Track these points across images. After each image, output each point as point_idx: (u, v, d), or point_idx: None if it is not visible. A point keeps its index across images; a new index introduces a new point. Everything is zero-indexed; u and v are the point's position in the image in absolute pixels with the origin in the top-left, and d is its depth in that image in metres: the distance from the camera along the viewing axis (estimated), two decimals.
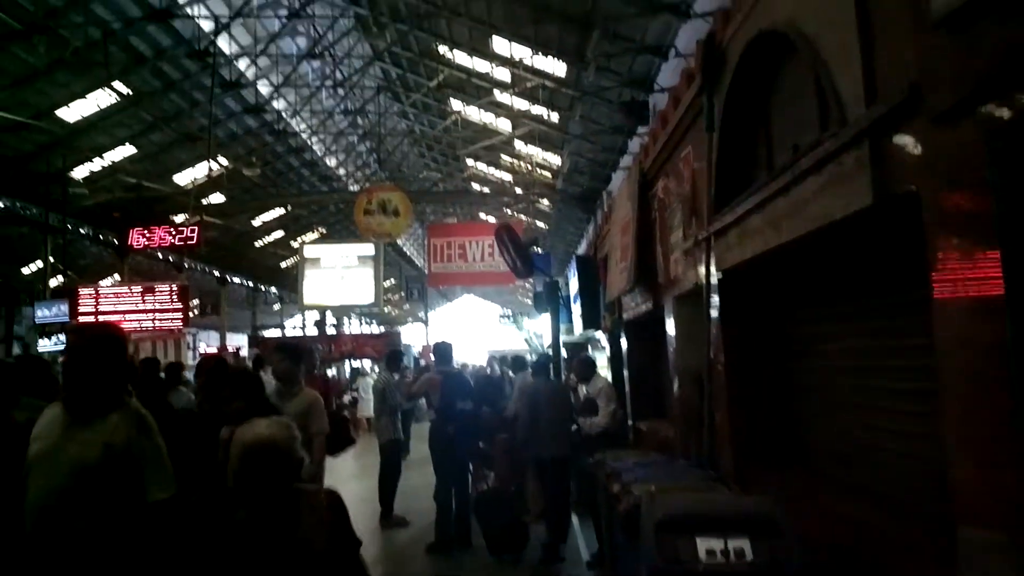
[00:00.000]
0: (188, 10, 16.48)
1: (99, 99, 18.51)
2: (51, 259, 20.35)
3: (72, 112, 18.61)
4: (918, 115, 3.07)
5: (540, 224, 31.64)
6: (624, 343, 10.81)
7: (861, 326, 4.53)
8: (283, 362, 5.50)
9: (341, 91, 22.20)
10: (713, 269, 6.03)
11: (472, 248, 23.28)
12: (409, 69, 21.25)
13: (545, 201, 26.81)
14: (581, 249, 24.98)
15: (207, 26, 17.28)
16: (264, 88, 20.98)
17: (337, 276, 23.46)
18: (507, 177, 27.72)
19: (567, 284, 14.01)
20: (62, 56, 15.83)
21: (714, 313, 6.02)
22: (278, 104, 22.15)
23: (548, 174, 24.83)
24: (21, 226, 21.82)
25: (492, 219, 31.68)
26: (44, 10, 14.59)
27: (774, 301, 5.80)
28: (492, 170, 28.00)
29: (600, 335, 14.13)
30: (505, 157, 25.67)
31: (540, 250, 21.41)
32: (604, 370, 11.97)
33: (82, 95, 18.06)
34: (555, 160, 23.50)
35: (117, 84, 18.02)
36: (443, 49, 18.74)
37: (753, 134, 5.60)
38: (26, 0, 14.06)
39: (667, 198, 7.85)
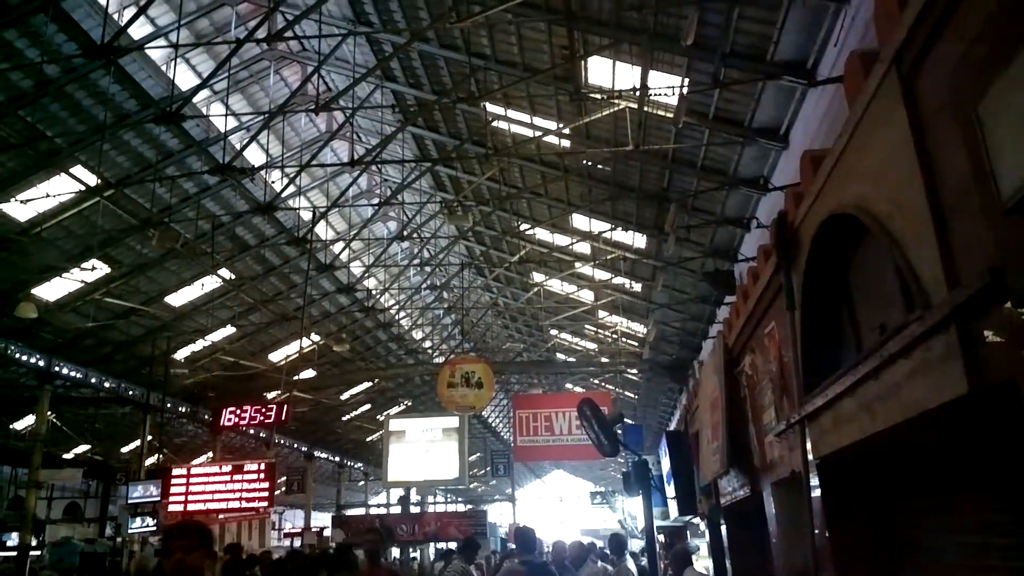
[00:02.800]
0: (291, 202, 18.14)
1: (205, 284, 20.17)
2: (149, 437, 21.42)
3: (179, 297, 20.25)
4: (1004, 299, 2.92)
5: (629, 395, 31.05)
6: (724, 530, 10.06)
7: (977, 521, 4.07)
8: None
9: (428, 268, 23.42)
10: (810, 456, 5.67)
11: (559, 420, 23.06)
12: (492, 246, 22.32)
13: (633, 370, 26.47)
14: (673, 423, 24.19)
15: (307, 216, 18.93)
16: (356, 268, 22.38)
17: (421, 450, 23.47)
18: (592, 346, 27.74)
19: (659, 462, 13.42)
20: (173, 247, 17.56)
21: (815, 504, 5.58)
22: (369, 283, 23.50)
23: (634, 343, 24.70)
24: (124, 406, 23.15)
25: (578, 389, 31.42)
26: (160, 207, 16.39)
27: (879, 492, 5.34)
28: (576, 340, 28.15)
29: (698, 520, 13.25)
30: (589, 327, 25.87)
31: (630, 421, 20.89)
32: (705, 560, 11.09)
33: (190, 282, 19.72)
34: (641, 329, 23.45)
35: (222, 270, 19.69)
36: (524, 226, 19.68)
37: (836, 312, 5.46)
38: (145, 198, 15.87)
39: (755, 375, 7.61)
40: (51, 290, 17.37)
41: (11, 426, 23.06)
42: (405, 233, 20.36)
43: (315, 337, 24.46)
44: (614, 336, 24.28)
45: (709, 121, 11.40)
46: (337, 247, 21.16)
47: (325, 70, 15.20)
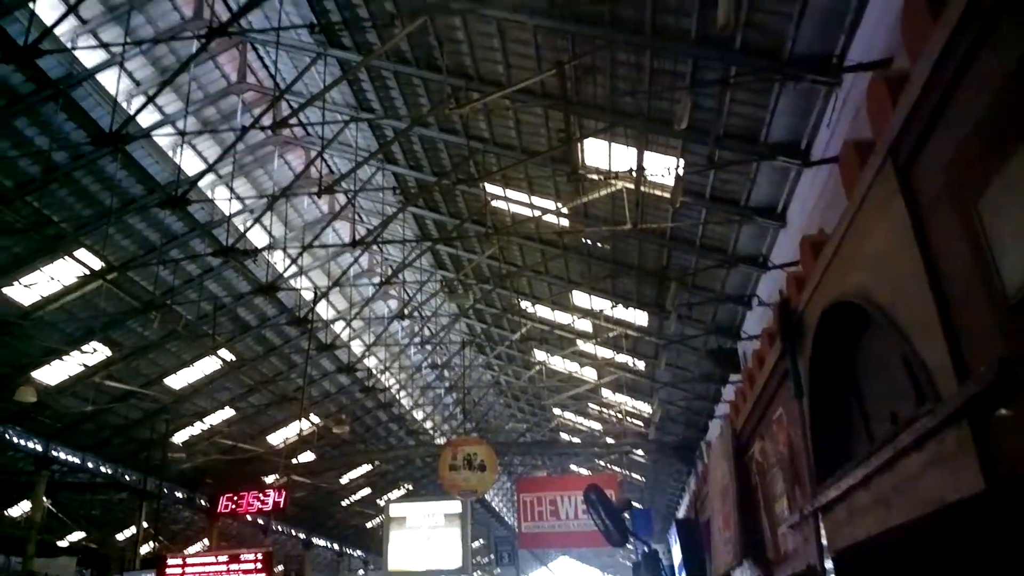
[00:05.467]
0: (292, 282, 18.17)
1: (205, 366, 19.99)
2: (145, 524, 20.81)
3: (179, 379, 20.04)
4: (1015, 392, 2.80)
5: (636, 476, 30.32)
6: None
7: None
8: None
9: (428, 347, 23.27)
10: (826, 549, 5.43)
11: (564, 504, 22.39)
12: (493, 324, 22.23)
13: (640, 451, 25.93)
14: (683, 508, 23.53)
15: (308, 295, 18.94)
16: (357, 347, 22.24)
17: (423, 537, 22.75)
18: (596, 426, 27.27)
19: (669, 552, 12.93)
20: (175, 328, 17.49)
21: None
22: (369, 362, 23.30)
23: (640, 423, 24.28)
24: (121, 491, 22.60)
25: (584, 471, 30.72)
26: (162, 289, 16.39)
27: None
28: (581, 419, 27.70)
29: None
30: (593, 406, 25.49)
31: (638, 506, 20.29)
32: None
33: (190, 363, 19.55)
34: (646, 408, 23.09)
35: (223, 351, 19.56)
36: (525, 304, 19.64)
37: (844, 400, 5.33)
38: (148, 281, 15.90)
39: (765, 462, 7.40)
40: (51, 373, 17.20)
41: (5, 512, 22.44)
42: (406, 311, 20.31)
43: (314, 419, 24.09)
44: (619, 415, 23.88)
45: (706, 200, 11.49)
46: (338, 326, 21.08)
47: (328, 154, 15.48)
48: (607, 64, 10.09)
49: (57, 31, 10.00)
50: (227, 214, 15.28)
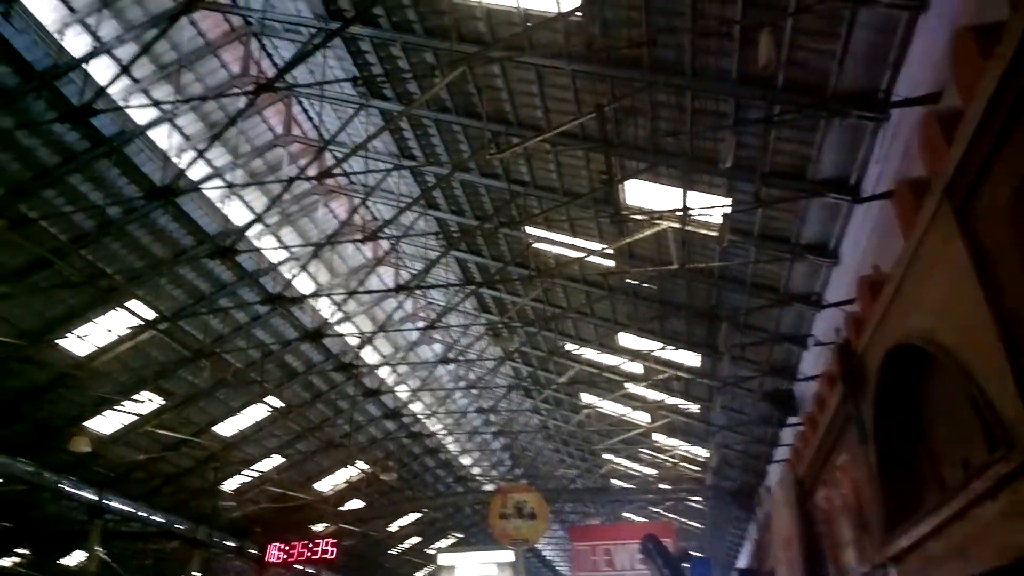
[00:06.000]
0: (338, 328, 18.39)
1: (253, 413, 20.26)
2: (197, 574, 20.96)
3: (228, 427, 20.33)
4: None
5: (693, 524, 29.43)
6: None
7: None
8: None
9: (474, 391, 23.18)
10: None
11: (620, 554, 21.99)
12: (539, 367, 22.07)
13: (696, 497, 25.20)
14: (743, 556, 22.72)
15: (353, 341, 19.13)
16: (403, 392, 22.29)
17: None
18: (650, 472, 26.64)
19: None
20: (224, 376, 17.83)
21: None
22: (415, 407, 23.31)
23: (695, 468, 23.65)
24: (173, 540, 22.85)
25: (637, 518, 29.97)
26: (212, 337, 16.75)
27: None
28: (633, 465, 27.11)
29: None
30: (646, 451, 24.94)
31: (697, 554, 19.65)
32: None
33: (239, 411, 19.83)
34: (701, 453, 22.49)
35: (271, 398, 19.82)
36: (571, 346, 19.46)
37: (911, 444, 5.08)
38: (198, 329, 16.29)
39: (830, 509, 7.10)
40: (104, 423, 17.63)
41: (61, 561, 22.87)
42: (450, 355, 20.32)
43: (362, 465, 24.12)
44: (673, 461, 23.32)
45: (755, 239, 11.30)
46: (383, 371, 21.18)
47: (371, 201, 15.76)
48: (648, 105, 10.10)
49: (110, 90, 10.44)
50: (274, 263, 15.62)
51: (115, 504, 19.92)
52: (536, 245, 15.13)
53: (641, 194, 12.14)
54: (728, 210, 10.76)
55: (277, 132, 14.40)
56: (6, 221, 11.54)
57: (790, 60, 7.89)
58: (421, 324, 19.81)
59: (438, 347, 21.85)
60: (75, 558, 22.34)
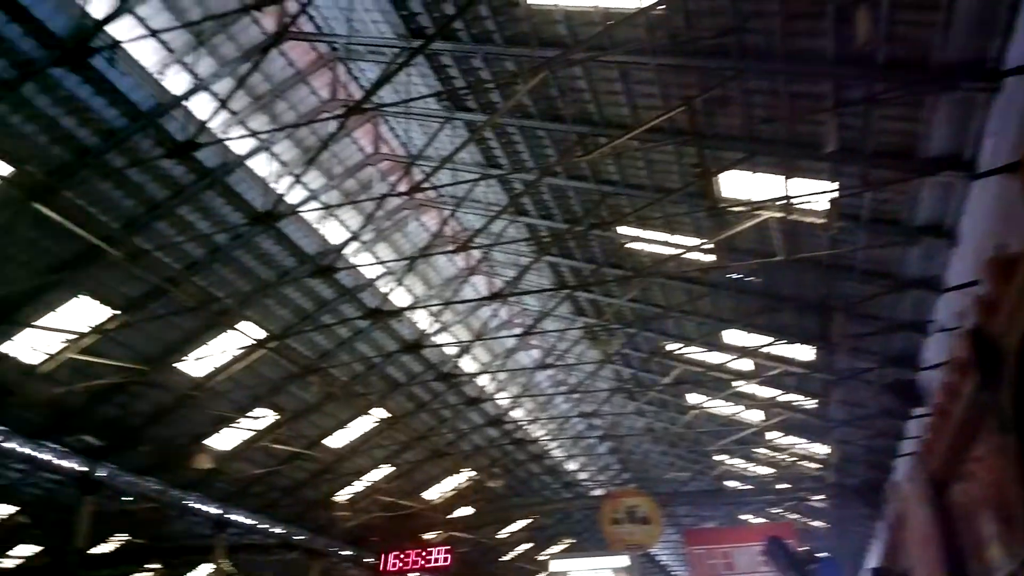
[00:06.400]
0: (435, 339, 18.89)
1: (361, 425, 21.09)
2: None
3: (338, 439, 21.25)
4: None
5: (815, 524, 28.40)
6: None
7: None
8: None
9: (576, 395, 23.22)
10: None
11: (739, 557, 21.85)
12: (640, 368, 21.87)
13: (818, 496, 24.33)
14: (872, 555, 21.76)
15: (452, 350, 19.60)
16: (503, 400, 22.62)
17: None
18: (766, 472, 25.92)
19: None
20: (331, 391, 18.70)
21: None
22: (516, 413, 23.59)
23: (816, 465, 22.84)
24: (292, 551, 24.07)
25: (755, 520, 29.22)
26: (318, 353, 17.59)
27: None
28: (748, 465, 26.44)
29: None
30: (760, 450, 24.27)
31: (824, 554, 18.99)
32: None
33: (346, 423, 20.71)
34: (821, 450, 21.72)
35: (376, 410, 20.59)
36: (673, 346, 19.19)
37: None
38: (304, 346, 17.14)
39: (969, 504, 6.78)
40: (223, 440, 18.81)
41: (188, 575, 24.50)
42: (548, 361, 20.45)
43: (468, 473, 24.63)
44: (791, 459, 22.60)
45: (864, 223, 10.86)
46: (482, 379, 21.57)
47: (461, 212, 16.12)
48: (739, 94, 9.90)
49: (210, 124, 11.18)
50: (371, 278, 16.25)
51: (237, 517, 21.23)
52: (630, 245, 15.05)
53: (738, 185, 11.88)
54: (834, 195, 10.42)
55: (367, 152, 14.98)
56: (125, 254, 12.60)
57: (889, 34, 7.56)
58: (517, 331, 20.04)
59: (536, 353, 22.04)
60: (202, 571, 23.90)
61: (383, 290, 16.42)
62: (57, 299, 13.19)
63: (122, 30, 9.96)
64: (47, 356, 14.06)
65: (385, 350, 18.66)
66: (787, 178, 10.61)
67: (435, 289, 18.54)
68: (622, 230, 14.67)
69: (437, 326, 18.27)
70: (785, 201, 10.84)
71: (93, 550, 19.19)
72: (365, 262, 15.68)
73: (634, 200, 13.39)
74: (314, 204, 14.33)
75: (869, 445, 19.18)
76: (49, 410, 15.20)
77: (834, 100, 8.90)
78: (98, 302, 13.60)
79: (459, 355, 19.65)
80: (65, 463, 16.43)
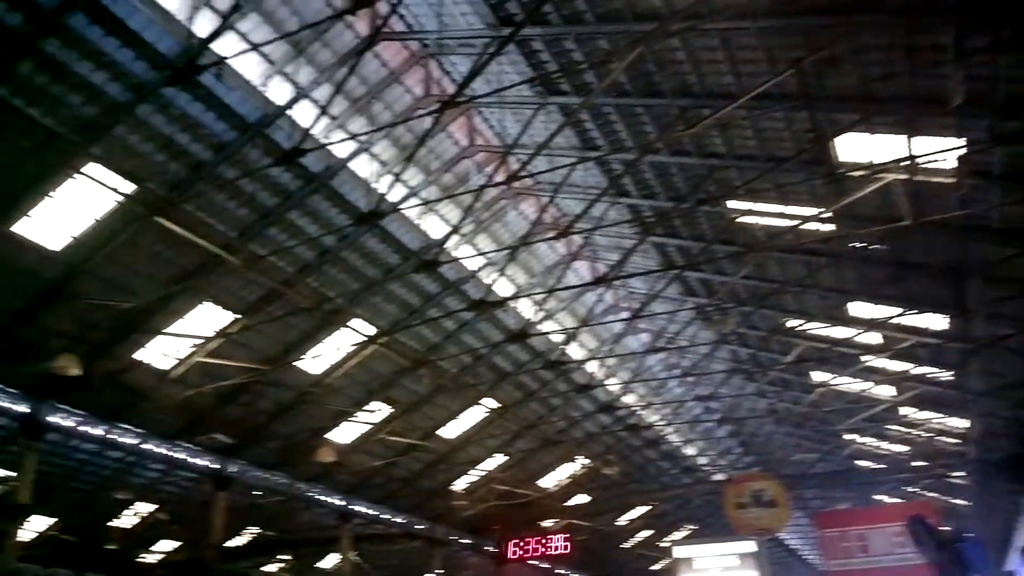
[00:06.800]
0: (541, 327, 19.03)
1: (472, 416, 21.59)
2: (440, 571, 22.85)
3: (451, 430, 21.83)
4: None
5: (955, 502, 26.93)
6: None
7: None
8: None
9: (690, 378, 22.86)
10: None
11: (874, 539, 21.33)
12: (759, 347, 21.28)
13: (958, 472, 23.09)
14: (1020, 533, 20.51)
15: (558, 338, 19.71)
16: (614, 386, 22.56)
17: None
18: (901, 449, 24.77)
19: None
20: (441, 382, 19.23)
21: None
22: (628, 399, 23.47)
23: (954, 441, 21.65)
24: (414, 540, 24.99)
25: (888, 499, 28.05)
26: (426, 346, 18.12)
27: None
28: (881, 443, 25.35)
29: None
30: (893, 427, 23.21)
31: (971, 534, 18.07)
32: None
33: (458, 414, 21.26)
34: (959, 424, 20.57)
35: (486, 400, 21.01)
36: (794, 322, 18.58)
37: None
38: (413, 340, 17.70)
39: None
40: (342, 434, 19.72)
41: (316, 565, 25.87)
42: (659, 344, 20.22)
43: (583, 460, 24.75)
44: (927, 435, 21.51)
45: (997, 180, 10.19)
46: (591, 366, 21.57)
47: (559, 198, 16.14)
48: (851, 52, 9.44)
49: (313, 131, 11.66)
50: (473, 270, 16.56)
51: (360, 508, 22.24)
52: (741, 219, 14.65)
53: (856, 148, 11.39)
54: (962, 152, 9.82)
55: (462, 145, 15.24)
56: (242, 260, 13.40)
57: None
58: (624, 315, 19.90)
59: (645, 336, 21.84)
60: (330, 561, 25.19)
61: (486, 281, 16.69)
62: (183, 307, 14.20)
63: (226, 46, 10.52)
64: (177, 361, 15.19)
65: (491, 340, 18.99)
66: (909, 137, 10.10)
67: (538, 277, 18.68)
68: (732, 204, 14.32)
69: (542, 314, 18.39)
70: (909, 161, 10.35)
71: (228, 543, 20.60)
72: (467, 254, 15.98)
73: (744, 172, 13.06)
74: (414, 200, 14.71)
75: (1015, 417, 18.17)
76: (181, 412, 16.39)
77: (956, 51, 8.34)
78: (220, 307, 14.58)
79: (566, 342, 19.72)
80: (199, 461, 17.72)
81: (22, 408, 14.23)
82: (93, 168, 11.22)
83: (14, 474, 14.73)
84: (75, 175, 11.21)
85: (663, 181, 14.78)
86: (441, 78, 13.68)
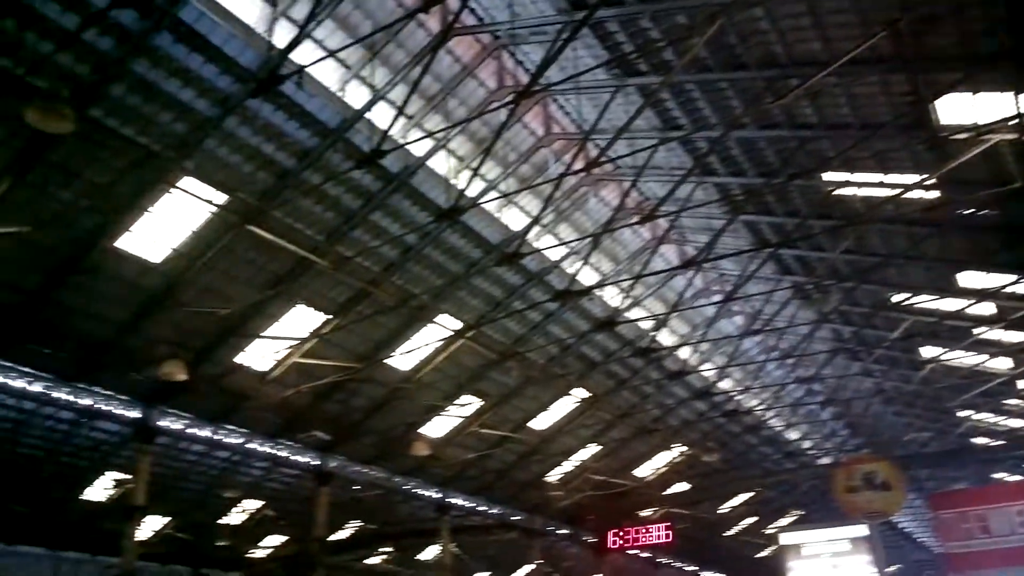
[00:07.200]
0: (628, 314, 18.87)
1: (563, 406, 21.65)
2: (539, 561, 23.11)
3: (542, 421, 21.97)
4: None
5: None
6: None
7: None
8: None
9: (790, 360, 22.22)
10: None
11: (996, 519, 20.62)
12: (863, 324, 20.47)
13: None
14: None
15: (647, 324, 19.49)
16: (708, 371, 22.18)
17: (827, 565, 22.02)
18: (1020, 424, 23.49)
19: None
20: (530, 374, 19.37)
21: None
22: (724, 384, 23.02)
23: None
24: (511, 531, 25.36)
25: (1008, 477, 26.67)
26: (513, 338, 18.26)
27: None
28: (998, 419, 24.08)
29: None
30: (1012, 401, 22.03)
31: None
32: None
33: (548, 405, 21.38)
34: None
35: (576, 390, 21.03)
36: (899, 297, 17.79)
37: None
38: (499, 333, 17.90)
39: None
40: (435, 428, 20.17)
41: (417, 557, 26.58)
42: (755, 326, 19.71)
43: (681, 448, 24.47)
44: None
45: None
46: (684, 352, 21.25)
47: (642, 182, 15.92)
48: (950, 8, 8.94)
49: (391, 132, 11.89)
50: (555, 260, 16.56)
51: (456, 500, 22.75)
52: (838, 191, 14.12)
53: (959, 109, 10.84)
54: None
55: (538, 134, 15.24)
56: (330, 263, 13.85)
57: None
58: (717, 298, 19.49)
59: (740, 319, 21.35)
60: (430, 553, 25.85)
61: (569, 271, 16.66)
62: (278, 310, 14.84)
63: (304, 55, 10.84)
64: (275, 363, 15.89)
65: (578, 330, 18.99)
66: (1016, 94, 9.50)
67: (623, 264, 18.52)
68: (827, 176, 13.83)
69: (629, 301, 18.21)
70: (1017, 120, 9.74)
71: (332, 537, 21.44)
72: (548, 244, 15.99)
73: (838, 141, 12.58)
74: (493, 194, 14.82)
75: None
76: (281, 411, 17.14)
77: None
78: (312, 309, 15.17)
79: (656, 329, 19.49)
80: (300, 458, 18.57)
81: (134, 414, 15.29)
82: (188, 182, 11.81)
83: (129, 477, 15.83)
84: (171, 190, 11.83)
85: (751, 157, 14.38)
86: (515, 69, 13.68)
